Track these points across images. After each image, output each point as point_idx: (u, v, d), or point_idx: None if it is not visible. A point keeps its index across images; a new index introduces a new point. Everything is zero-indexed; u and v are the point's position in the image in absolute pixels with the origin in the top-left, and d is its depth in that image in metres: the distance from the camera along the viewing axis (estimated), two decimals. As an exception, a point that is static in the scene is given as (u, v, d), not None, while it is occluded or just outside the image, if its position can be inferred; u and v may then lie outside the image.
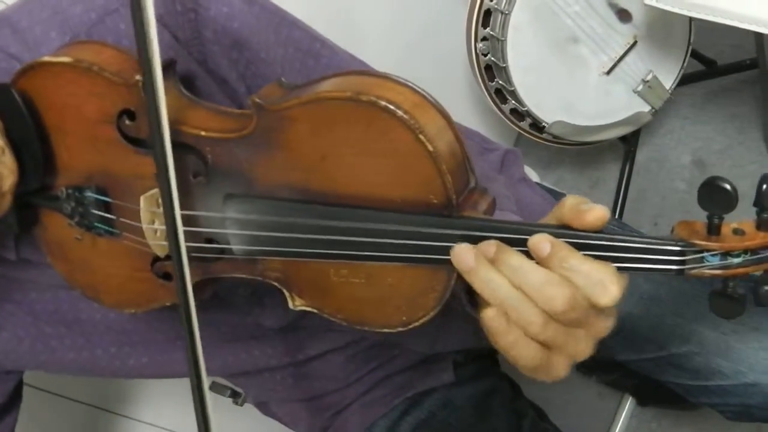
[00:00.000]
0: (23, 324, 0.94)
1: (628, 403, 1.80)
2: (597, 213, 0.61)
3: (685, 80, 1.79)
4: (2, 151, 0.71)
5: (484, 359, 1.26)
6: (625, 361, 1.15)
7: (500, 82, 1.67)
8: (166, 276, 0.77)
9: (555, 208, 0.65)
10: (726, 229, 0.61)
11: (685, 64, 1.73)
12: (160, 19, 0.79)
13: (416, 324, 0.69)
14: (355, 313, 0.71)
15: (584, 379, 1.81)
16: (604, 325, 0.64)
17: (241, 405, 1.46)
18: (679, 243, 0.61)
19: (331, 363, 1.10)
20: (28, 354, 0.96)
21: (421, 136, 0.61)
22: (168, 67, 0.72)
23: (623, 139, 1.89)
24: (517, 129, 1.76)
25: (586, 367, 1.74)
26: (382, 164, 0.64)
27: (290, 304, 0.73)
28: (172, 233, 0.66)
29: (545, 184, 1.33)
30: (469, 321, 1.07)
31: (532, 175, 1.53)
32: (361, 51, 0.94)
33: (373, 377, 1.14)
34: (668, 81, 1.73)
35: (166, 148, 0.64)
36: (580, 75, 1.68)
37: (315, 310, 0.73)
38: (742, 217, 0.62)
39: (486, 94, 1.70)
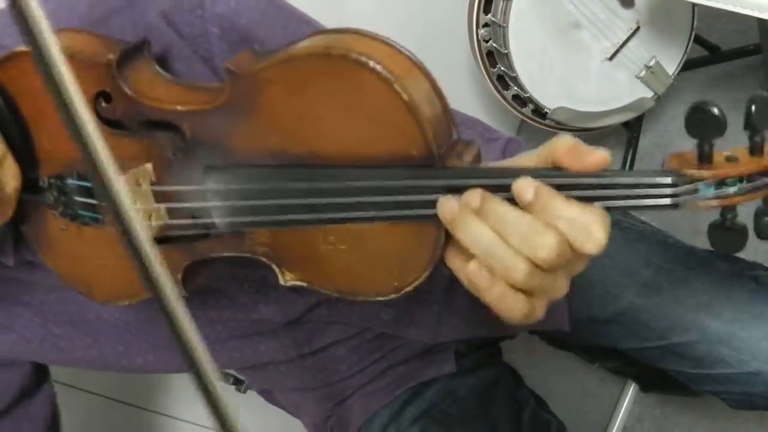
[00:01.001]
0: (31, 325, 0.94)
1: (631, 390, 1.80)
2: (599, 156, 0.60)
3: (688, 66, 1.78)
4: (3, 156, 0.71)
5: (486, 349, 1.26)
6: (626, 349, 1.15)
7: (502, 68, 1.66)
8: None
9: (544, 149, 0.63)
10: (718, 157, 0.59)
11: (689, 50, 1.72)
12: (166, 17, 0.79)
13: (408, 288, 0.68)
14: (346, 283, 0.70)
15: (586, 366, 1.81)
16: (582, 264, 0.63)
17: (244, 392, 1.46)
18: (671, 174, 0.59)
19: (335, 354, 1.10)
20: (37, 353, 0.97)
21: (395, 86, 0.60)
22: (140, 46, 0.72)
23: (626, 124, 1.88)
24: (520, 115, 1.76)
25: (588, 354, 1.74)
26: (358, 119, 0.63)
27: (281, 280, 0.72)
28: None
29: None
30: (474, 308, 1.08)
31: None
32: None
33: (376, 368, 1.14)
34: (671, 67, 1.73)
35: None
36: (583, 61, 1.67)
37: (305, 284, 0.72)
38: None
39: (488, 80, 1.69)
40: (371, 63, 0.60)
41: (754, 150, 0.59)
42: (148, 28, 0.79)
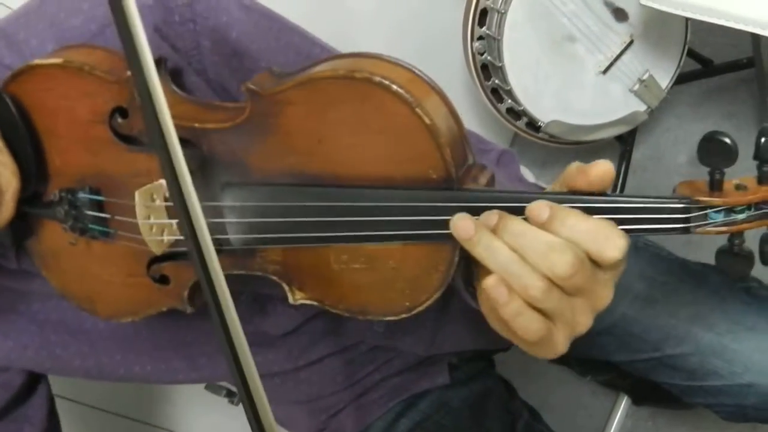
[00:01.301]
0: (27, 332, 0.94)
1: (624, 402, 1.80)
2: (601, 167, 0.61)
3: (681, 79, 1.79)
4: (1, 152, 0.71)
5: (479, 361, 1.25)
6: (619, 362, 1.15)
7: (496, 81, 1.66)
8: (162, 279, 0.77)
9: (560, 177, 0.64)
10: (728, 185, 0.61)
11: (682, 63, 1.73)
12: (159, 31, 0.79)
13: (420, 308, 0.69)
14: (357, 302, 0.71)
15: (579, 379, 1.81)
16: (605, 294, 0.64)
17: (237, 404, 1.46)
18: (683, 200, 0.61)
19: (329, 366, 1.10)
20: (33, 360, 0.96)
21: (417, 110, 0.61)
22: (158, 63, 0.71)
23: (620, 138, 1.88)
24: (514, 128, 1.76)
25: (580, 367, 1.74)
26: (379, 141, 0.63)
27: (290, 299, 0.73)
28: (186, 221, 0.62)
29: (541, 184, 1.32)
30: (468, 320, 1.08)
31: (528, 175, 1.52)
32: (357, 48, 0.94)
33: (369, 380, 1.13)
34: (664, 80, 1.73)
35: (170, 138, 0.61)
36: (577, 74, 1.67)
37: (316, 303, 0.72)
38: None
39: (482, 93, 1.69)
40: (394, 87, 0.61)
41: (763, 179, 0.61)
42: None
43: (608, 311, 1.07)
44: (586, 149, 1.99)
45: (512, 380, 1.31)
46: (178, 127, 0.67)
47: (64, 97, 0.71)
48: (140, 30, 0.57)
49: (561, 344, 0.65)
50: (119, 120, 0.70)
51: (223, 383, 1.36)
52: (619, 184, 1.93)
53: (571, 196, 0.62)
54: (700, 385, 1.08)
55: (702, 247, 1.75)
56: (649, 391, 1.68)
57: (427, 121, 0.61)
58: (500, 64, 1.60)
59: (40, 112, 0.73)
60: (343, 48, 0.92)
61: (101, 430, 1.51)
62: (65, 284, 0.81)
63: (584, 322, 0.64)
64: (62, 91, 0.71)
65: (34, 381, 1.00)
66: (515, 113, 1.72)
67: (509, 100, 1.69)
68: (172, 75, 0.76)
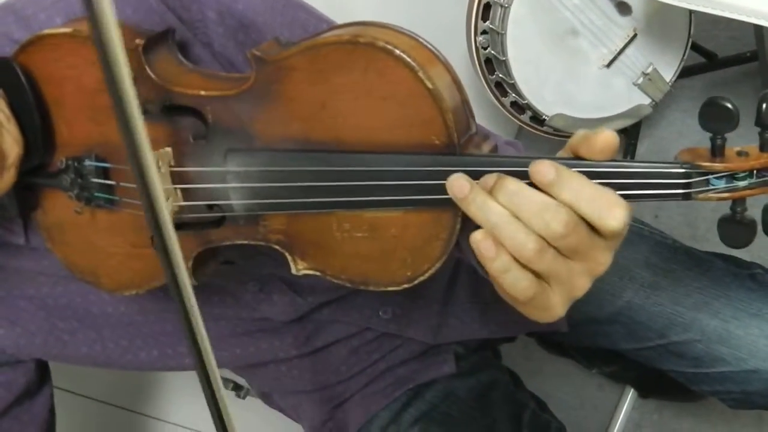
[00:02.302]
0: (36, 319, 0.95)
1: (630, 395, 1.80)
2: (606, 135, 0.60)
3: (685, 73, 1.79)
4: (7, 119, 0.72)
5: (485, 351, 1.26)
6: (625, 350, 1.15)
7: (500, 75, 1.66)
8: None
9: (566, 144, 0.64)
10: (730, 152, 0.61)
11: (686, 57, 1.73)
12: (165, 1, 0.80)
13: (422, 278, 0.69)
14: (359, 272, 0.71)
15: (585, 372, 1.81)
16: (603, 259, 0.63)
17: (243, 398, 1.47)
18: (684, 165, 0.61)
19: (335, 355, 1.10)
20: (41, 348, 0.97)
21: (420, 74, 0.62)
22: (165, 34, 0.73)
23: (624, 131, 1.88)
24: (518, 122, 1.76)
25: (586, 359, 1.74)
26: (382, 106, 0.64)
27: (293, 269, 0.73)
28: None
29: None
30: (474, 309, 1.08)
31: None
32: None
33: (375, 369, 1.14)
34: (668, 73, 1.73)
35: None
36: (580, 68, 1.67)
37: (318, 273, 0.72)
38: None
39: (486, 87, 1.69)
40: (397, 51, 0.62)
41: (765, 146, 0.61)
42: (150, 11, 0.80)
43: (614, 299, 1.09)
44: (591, 143, 1.98)
45: (518, 374, 1.31)
46: (183, 95, 0.69)
47: (72, 67, 0.72)
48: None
49: (558, 306, 0.65)
50: None
51: (229, 376, 1.36)
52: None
53: (574, 160, 0.62)
54: (706, 372, 1.08)
55: (708, 241, 1.75)
56: (655, 383, 1.69)
57: (430, 86, 0.62)
58: (504, 58, 1.60)
59: (48, 82, 0.74)
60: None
61: (103, 423, 1.51)
62: (70, 257, 0.82)
63: (581, 286, 0.64)
64: (70, 61, 0.72)
65: (39, 379, 1.01)
66: (519, 107, 1.72)
67: (513, 94, 1.69)
68: (180, 47, 0.76)
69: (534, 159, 0.62)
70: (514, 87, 1.65)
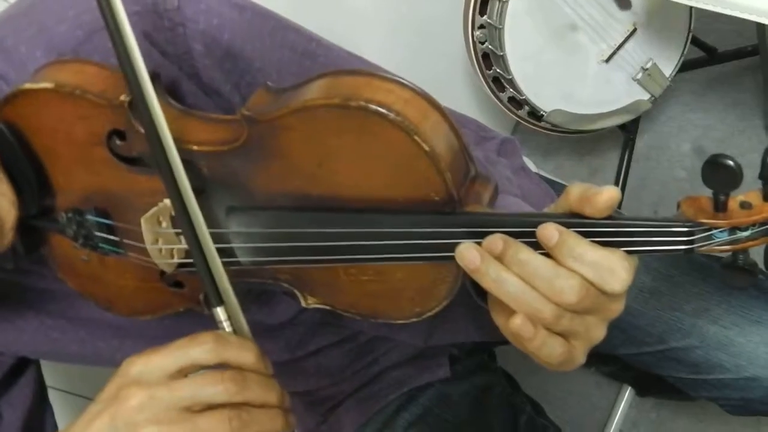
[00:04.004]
0: (23, 316, 0.93)
1: (627, 394, 1.79)
2: (608, 194, 0.61)
3: (685, 67, 1.77)
4: (0, 182, 0.70)
5: (481, 354, 1.25)
6: (624, 355, 1.14)
7: (498, 70, 1.65)
8: (177, 284, 0.77)
9: (560, 199, 0.65)
10: (732, 203, 0.61)
11: (686, 51, 1.71)
12: (148, 37, 0.78)
13: (430, 313, 0.70)
14: (368, 308, 0.72)
15: (582, 370, 1.81)
16: (616, 307, 0.65)
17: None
18: (687, 224, 0.61)
19: (327, 358, 1.09)
20: (30, 345, 0.95)
21: (416, 137, 0.60)
22: (153, 80, 0.70)
23: (623, 126, 1.87)
24: (516, 117, 1.75)
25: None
26: (379, 167, 0.63)
27: (302, 303, 0.74)
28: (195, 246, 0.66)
29: (543, 173, 1.31)
30: (467, 314, 1.07)
31: (530, 165, 1.51)
32: (358, 41, 0.93)
33: (368, 372, 1.13)
34: (668, 68, 1.72)
35: (175, 164, 0.64)
36: (579, 63, 1.66)
37: (328, 307, 0.74)
38: (747, 190, 0.62)
39: (484, 82, 1.68)
40: (391, 115, 0.60)
41: None
42: None
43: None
44: (589, 138, 1.98)
45: (514, 371, 1.30)
46: (177, 149, 0.67)
47: (60, 120, 0.70)
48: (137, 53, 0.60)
49: (579, 358, 0.67)
50: (117, 142, 0.69)
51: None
52: (622, 174, 1.92)
53: (575, 219, 0.62)
54: (705, 379, 1.07)
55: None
56: (653, 382, 1.67)
57: (427, 148, 0.60)
58: (502, 53, 1.59)
59: (37, 134, 0.72)
60: (343, 37, 0.91)
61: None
62: (82, 287, 0.82)
63: (599, 335, 0.66)
64: (57, 115, 0.70)
65: (21, 365, 0.99)
66: (517, 102, 1.71)
67: (511, 89, 1.67)
68: (168, 87, 0.75)
69: (536, 217, 0.63)
70: (511, 82, 1.64)
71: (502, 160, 1.02)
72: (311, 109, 0.62)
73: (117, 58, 0.61)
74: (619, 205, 1.76)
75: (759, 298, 1.04)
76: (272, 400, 0.70)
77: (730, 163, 0.58)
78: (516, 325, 0.62)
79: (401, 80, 0.63)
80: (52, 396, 1.06)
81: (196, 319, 0.95)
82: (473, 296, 0.72)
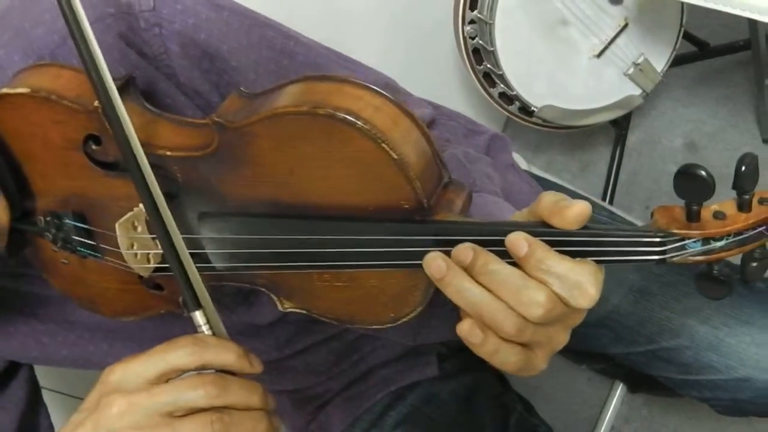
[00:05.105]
0: (13, 321, 0.93)
1: (619, 390, 1.79)
2: (578, 209, 0.60)
3: (677, 61, 1.78)
4: None
5: (469, 352, 1.24)
6: (614, 354, 1.14)
7: (488, 65, 1.64)
8: (157, 287, 0.77)
9: (533, 205, 0.64)
10: (706, 213, 0.60)
11: (677, 46, 1.71)
12: (124, 38, 0.77)
13: (405, 319, 0.70)
14: (343, 313, 0.72)
15: (574, 366, 1.80)
16: (581, 317, 0.65)
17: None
18: (659, 234, 0.60)
19: (315, 356, 1.09)
20: (20, 349, 0.95)
21: (384, 145, 0.60)
22: (127, 83, 0.71)
23: (614, 122, 1.87)
24: (506, 113, 1.74)
25: (576, 355, 1.73)
26: (348, 174, 0.63)
27: (279, 307, 0.74)
28: (168, 248, 0.66)
29: (534, 170, 1.31)
30: (454, 312, 1.07)
31: (521, 162, 1.51)
32: (348, 38, 0.92)
33: (356, 370, 1.13)
34: (660, 64, 1.71)
35: (144, 169, 0.64)
36: (570, 58, 1.65)
37: (304, 311, 0.73)
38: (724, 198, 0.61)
39: (474, 77, 1.67)
40: (359, 123, 0.60)
41: (743, 206, 0.59)
42: (109, 50, 0.77)
43: (602, 302, 1.07)
44: (581, 133, 1.97)
45: (504, 372, 1.29)
46: (149, 154, 0.67)
47: (36, 125, 0.70)
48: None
49: (541, 363, 0.66)
50: (93, 147, 0.70)
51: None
52: (613, 169, 1.91)
53: (545, 229, 0.62)
54: (696, 379, 1.07)
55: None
56: (645, 379, 1.68)
57: (395, 156, 0.60)
58: (492, 49, 1.58)
59: (15, 138, 0.72)
60: (332, 34, 0.90)
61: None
62: (66, 288, 0.82)
63: (561, 341, 0.66)
64: (33, 119, 0.70)
65: (12, 368, 0.99)
66: (508, 98, 1.70)
67: (502, 85, 1.67)
68: (143, 88, 0.75)
69: (506, 226, 0.62)
70: (502, 78, 1.63)
71: (483, 157, 1.01)
72: (280, 116, 0.62)
73: (83, 65, 0.62)
74: (611, 201, 1.76)
75: (749, 297, 1.04)
76: (255, 402, 0.69)
77: (703, 173, 0.57)
78: (463, 331, 0.63)
79: (373, 87, 0.63)
80: (48, 397, 1.05)
81: (186, 321, 0.95)
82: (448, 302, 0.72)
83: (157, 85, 0.80)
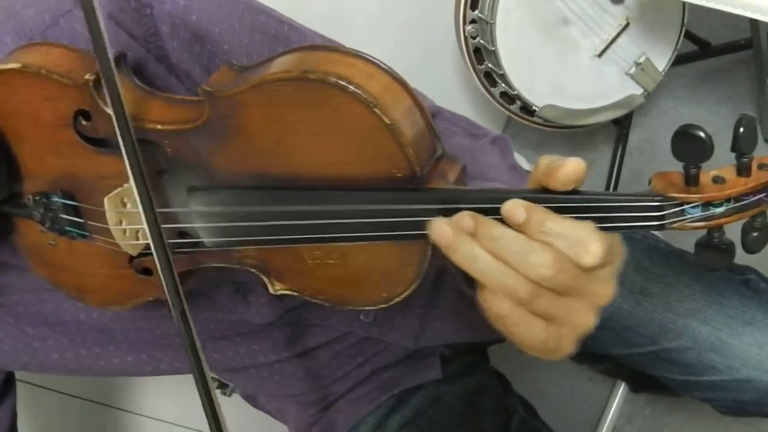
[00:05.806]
0: (4, 325, 0.92)
1: (621, 389, 1.79)
2: (571, 166, 0.59)
3: (678, 61, 1.77)
4: None
5: (473, 354, 1.24)
6: (616, 355, 1.14)
7: (489, 65, 1.64)
8: (146, 271, 0.76)
9: (532, 172, 0.63)
10: (705, 177, 0.59)
11: (679, 45, 1.71)
12: (114, 18, 0.77)
13: (398, 299, 0.68)
14: (334, 293, 0.71)
15: (576, 366, 1.81)
16: (603, 292, 0.63)
17: (229, 395, 1.45)
18: (657, 198, 0.59)
19: (317, 359, 1.09)
20: (11, 355, 0.94)
21: (376, 110, 0.59)
22: (118, 60, 0.70)
23: (616, 121, 1.87)
24: (508, 112, 1.74)
25: (577, 356, 1.73)
26: (339, 142, 0.62)
27: (270, 289, 0.73)
28: (154, 231, 0.65)
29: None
30: (458, 314, 1.06)
31: (523, 162, 1.51)
32: (349, 35, 0.92)
33: (359, 373, 1.12)
34: (661, 63, 1.71)
35: (134, 144, 0.63)
36: (572, 58, 1.65)
37: (295, 293, 0.72)
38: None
39: (475, 77, 1.67)
40: (351, 87, 0.59)
41: (742, 170, 0.59)
42: None
43: (604, 304, 1.07)
44: (582, 132, 1.97)
45: (508, 368, 1.30)
46: (141, 129, 0.67)
47: (26, 102, 0.70)
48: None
49: (567, 347, 0.65)
50: (83, 122, 0.69)
51: (214, 374, 1.34)
52: (615, 168, 1.91)
53: (543, 194, 0.61)
54: (698, 380, 1.07)
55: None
56: (647, 378, 1.68)
57: (387, 121, 0.59)
58: (493, 48, 1.58)
59: (4, 117, 0.72)
60: (334, 32, 0.90)
61: (79, 419, 1.50)
62: (52, 275, 0.81)
63: (585, 322, 0.64)
64: (23, 96, 0.70)
65: (5, 391, 0.99)
66: (509, 97, 1.70)
67: (503, 85, 1.67)
68: (134, 67, 0.75)
69: (500, 191, 0.61)
70: (503, 77, 1.63)
71: (493, 148, 1.01)
72: (270, 83, 0.61)
73: (87, 25, 0.61)
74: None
75: (752, 298, 1.04)
76: None
77: (700, 133, 0.56)
78: (488, 301, 0.61)
79: (364, 55, 0.62)
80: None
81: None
82: (461, 283, 0.71)
83: (148, 67, 0.79)
